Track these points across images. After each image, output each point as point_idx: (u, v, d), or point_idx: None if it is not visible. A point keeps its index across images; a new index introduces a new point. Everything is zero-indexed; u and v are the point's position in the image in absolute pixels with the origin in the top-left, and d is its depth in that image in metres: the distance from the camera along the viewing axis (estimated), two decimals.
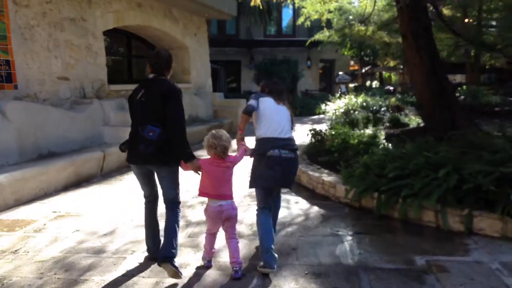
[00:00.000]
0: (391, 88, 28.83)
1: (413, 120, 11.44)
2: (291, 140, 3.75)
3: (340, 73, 25.28)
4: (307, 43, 14.46)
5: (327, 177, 6.01)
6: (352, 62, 29.74)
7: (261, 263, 3.49)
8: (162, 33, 11.58)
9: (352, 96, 13.90)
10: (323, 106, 21.55)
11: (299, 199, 5.79)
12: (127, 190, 6.24)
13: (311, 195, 5.99)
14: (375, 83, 32.81)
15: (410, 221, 4.68)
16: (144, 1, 10.32)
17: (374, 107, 12.98)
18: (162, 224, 3.65)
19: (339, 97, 23.63)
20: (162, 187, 3.61)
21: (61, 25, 7.73)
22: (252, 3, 9.62)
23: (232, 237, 3.47)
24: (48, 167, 5.99)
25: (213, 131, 3.46)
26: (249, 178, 3.78)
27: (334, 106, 13.64)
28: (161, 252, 3.43)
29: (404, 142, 6.63)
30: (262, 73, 19.06)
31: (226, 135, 3.45)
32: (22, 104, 6.45)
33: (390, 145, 7.16)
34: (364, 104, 13.14)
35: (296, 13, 25.20)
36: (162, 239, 3.55)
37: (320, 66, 27.07)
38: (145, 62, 3.71)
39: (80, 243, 4.20)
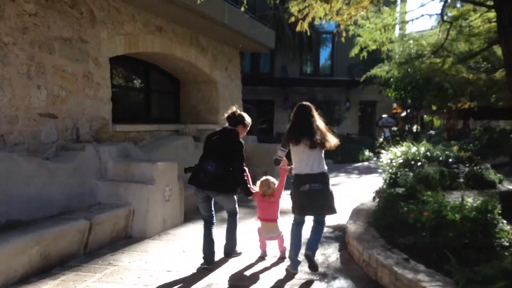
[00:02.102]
0: (433, 132, 26.32)
1: (496, 177, 9.00)
2: (321, 175, 4.40)
3: (384, 115, 23.04)
4: (362, 79, 12.49)
5: (430, 282, 3.71)
6: (395, 105, 27.40)
7: (288, 264, 4.63)
8: (187, 64, 9.70)
9: (411, 144, 11.59)
10: (366, 152, 19.39)
11: None
12: (118, 286, 4.08)
13: None
14: (416, 128, 30.28)
15: None
16: (166, 24, 8.46)
17: (441, 158, 10.64)
18: None
19: (383, 143, 21.42)
20: (224, 206, 4.90)
21: (49, 45, 5.83)
22: (297, 28, 7.62)
23: (279, 237, 4.98)
24: None
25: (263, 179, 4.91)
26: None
27: (389, 155, 11.32)
28: (224, 248, 4.95)
29: None
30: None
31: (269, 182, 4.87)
32: None
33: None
34: (428, 153, 10.79)
35: (335, 50, 23.48)
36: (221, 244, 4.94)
37: (359, 108, 24.86)
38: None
39: None
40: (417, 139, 14.62)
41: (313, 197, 4.36)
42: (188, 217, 6.80)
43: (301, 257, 4.56)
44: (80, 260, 4.79)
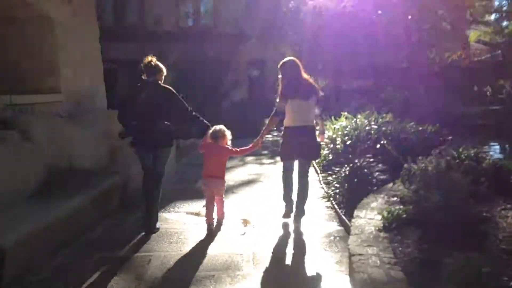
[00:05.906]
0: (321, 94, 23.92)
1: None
2: (307, 126, 4.81)
3: None
4: None
5: None
6: None
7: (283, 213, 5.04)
8: None
9: (350, 115, 8.28)
10: (266, 122, 15.99)
11: None
12: None
13: None
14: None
15: None
16: None
17: (401, 135, 7.45)
18: None
19: None
20: (157, 164, 4.70)
21: None
22: None
23: (219, 199, 4.88)
24: None
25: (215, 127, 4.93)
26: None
27: (327, 132, 7.90)
28: (148, 225, 4.59)
29: None
30: (184, 76, 13.04)
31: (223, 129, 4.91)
32: None
33: None
34: (384, 129, 7.56)
35: None
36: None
37: (247, 69, 21.28)
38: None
39: None
40: None
41: (299, 146, 4.77)
42: None
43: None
44: None
